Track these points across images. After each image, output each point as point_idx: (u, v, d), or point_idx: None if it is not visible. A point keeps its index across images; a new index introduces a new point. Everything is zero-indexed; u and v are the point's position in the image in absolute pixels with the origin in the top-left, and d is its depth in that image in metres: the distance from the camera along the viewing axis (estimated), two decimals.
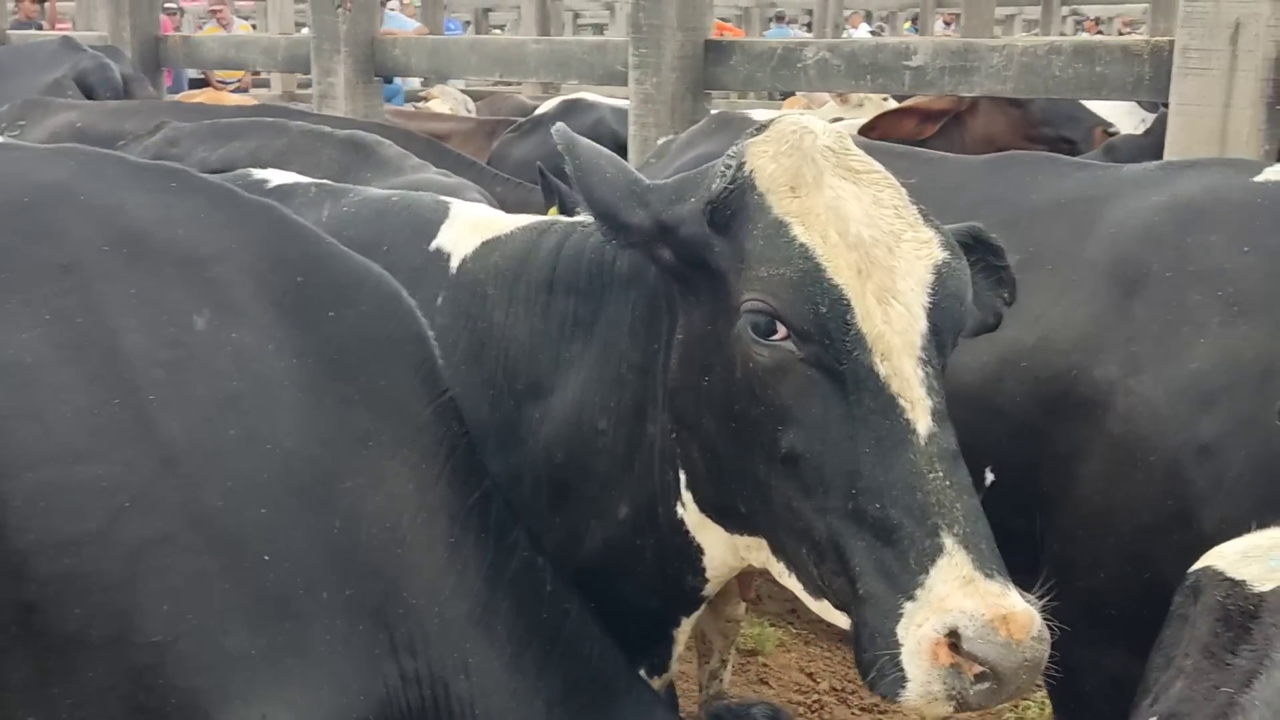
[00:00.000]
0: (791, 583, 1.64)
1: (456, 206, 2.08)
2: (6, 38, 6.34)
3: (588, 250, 1.88)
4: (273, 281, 1.56)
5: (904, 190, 1.66)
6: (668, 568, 1.83)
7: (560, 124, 1.76)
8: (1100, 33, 20.11)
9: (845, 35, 12.19)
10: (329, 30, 4.82)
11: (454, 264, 1.98)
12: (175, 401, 1.45)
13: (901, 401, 1.52)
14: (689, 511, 1.76)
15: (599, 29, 22.79)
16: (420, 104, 7.57)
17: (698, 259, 1.66)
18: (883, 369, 1.52)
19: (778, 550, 1.65)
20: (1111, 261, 2.17)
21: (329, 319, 1.59)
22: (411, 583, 1.56)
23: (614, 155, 1.76)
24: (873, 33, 13.70)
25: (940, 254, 1.61)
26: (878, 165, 1.67)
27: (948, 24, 18.67)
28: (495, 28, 23.29)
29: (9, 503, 1.38)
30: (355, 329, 1.61)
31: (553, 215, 3.49)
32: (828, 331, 1.53)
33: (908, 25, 18.20)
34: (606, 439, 1.82)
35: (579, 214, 1.85)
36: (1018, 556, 2.18)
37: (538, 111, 6.77)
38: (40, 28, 13.36)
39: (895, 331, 1.54)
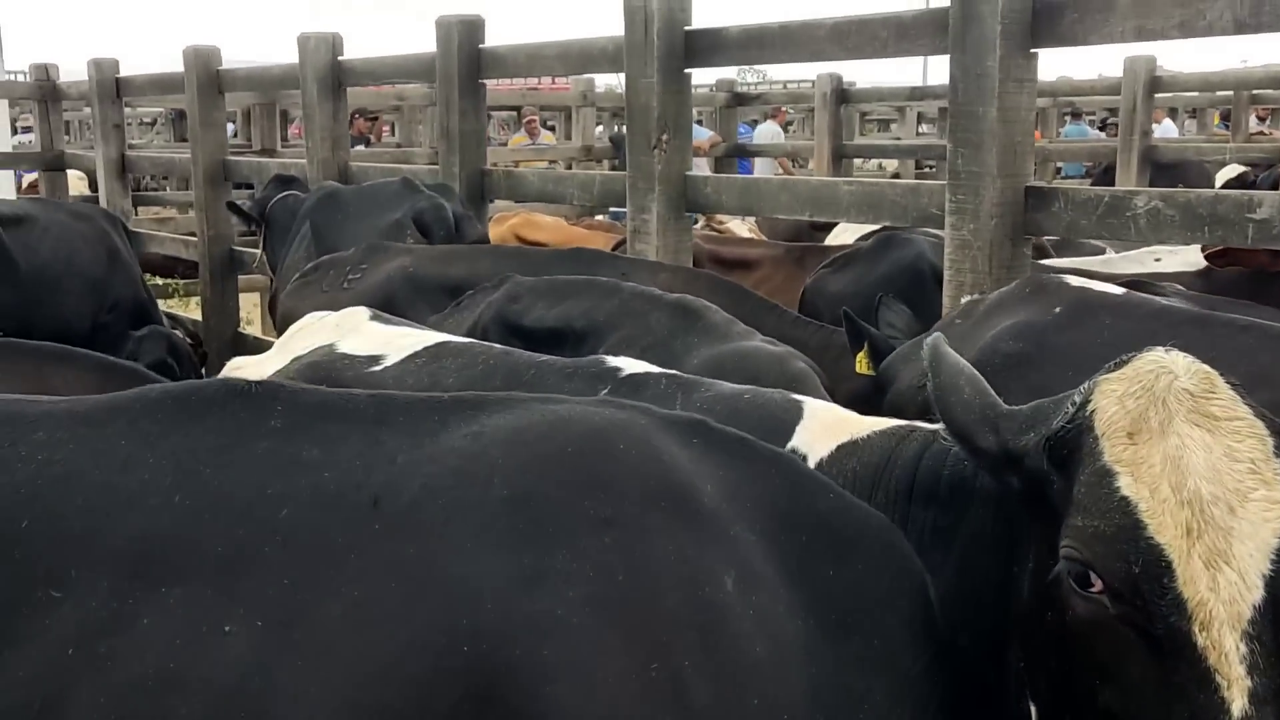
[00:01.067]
0: None
1: (809, 406, 2.12)
2: (349, 169, 6.91)
3: (949, 462, 1.88)
4: (783, 541, 1.58)
5: (1271, 440, 1.55)
6: None
7: (936, 338, 1.80)
8: None
9: (1152, 133, 11.63)
10: (644, 170, 5.02)
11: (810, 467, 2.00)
12: (706, 667, 1.44)
13: (1218, 678, 1.43)
14: None
15: (884, 124, 22.82)
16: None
17: (1039, 492, 1.64)
18: (1200, 639, 1.44)
19: None
20: None
21: (829, 578, 1.60)
22: None
23: (975, 374, 1.77)
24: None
25: None
26: (1244, 411, 1.57)
27: (1262, 119, 17.66)
28: (784, 126, 23.69)
29: None
30: (853, 588, 1.62)
31: (862, 363, 3.49)
32: (1141, 593, 1.47)
33: (1218, 121, 17.29)
34: (966, 657, 1.79)
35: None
36: None
37: (835, 235, 6.84)
38: (369, 142, 14.58)
39: (1221, 600, 1.44)
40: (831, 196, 4.55)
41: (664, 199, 5.01)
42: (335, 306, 4.27)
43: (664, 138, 4.96)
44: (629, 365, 2.34)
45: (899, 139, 18.22)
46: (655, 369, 2.33)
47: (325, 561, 1.41)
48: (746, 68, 26.06)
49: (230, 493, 1.45)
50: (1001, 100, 3.74)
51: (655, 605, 1.44)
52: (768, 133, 15.79)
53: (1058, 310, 2.83)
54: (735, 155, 14.22)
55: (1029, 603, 1.67)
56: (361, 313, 3.04)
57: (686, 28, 4.87)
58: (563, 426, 1.58)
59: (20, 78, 13.23)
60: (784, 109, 17.26)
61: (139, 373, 3.18)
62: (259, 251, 6.73)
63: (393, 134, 17.97)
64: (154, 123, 20.07)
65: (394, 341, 2.80)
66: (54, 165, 10.19)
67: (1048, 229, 3.88)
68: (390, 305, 4.24)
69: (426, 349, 2.71)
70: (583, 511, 1.48)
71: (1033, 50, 3.74)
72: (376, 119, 16.11)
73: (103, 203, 9.01)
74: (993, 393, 1.76)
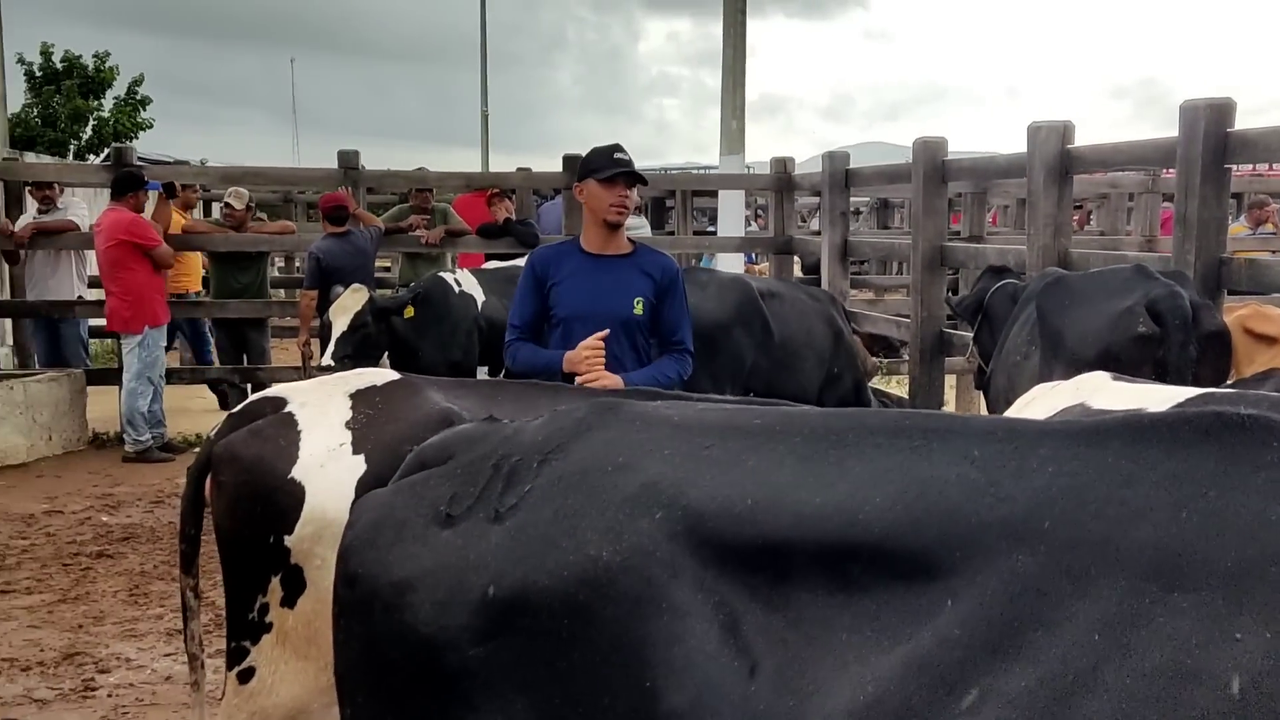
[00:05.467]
0: None
1: None
2: (1069, 256, 6.89)
3: None
4: None
5: None
6: None
7: None
8: None
9: None
10: None
11: None
12: None
13: None
14: None
15: None
16: None
17: None
18: None
19: None
20: None
21: None
22: None
23: None
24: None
25: None
26: None
27: None
28: None
29: None
30: None
31: None
32: None
33: None
34: None
35: None
36: None
37: None
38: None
39: None
40: None
41: None
42: None
43: None
44: None
45: None
46: None
47: None
48: None
49: (1235, 514, 1.54)
50: None
51: None
52: None
53: None
54: None
55: None
56: (1103, 375, 3.15)
57: None
58: None
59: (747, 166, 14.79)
60: None
61: None
62: (970, 342, 6.93)
63: (1089, 221, 17.59)
64: (857, 212, 21.32)
65: (1147, 397, 2.83)
66: (783, 249, 11.24)
67: None
68: None
69: (1190, 400, 2.71)
70: None
71: None
72: (1081, 206, 15.87)
73: (825, 284, 9.77)
74: None
